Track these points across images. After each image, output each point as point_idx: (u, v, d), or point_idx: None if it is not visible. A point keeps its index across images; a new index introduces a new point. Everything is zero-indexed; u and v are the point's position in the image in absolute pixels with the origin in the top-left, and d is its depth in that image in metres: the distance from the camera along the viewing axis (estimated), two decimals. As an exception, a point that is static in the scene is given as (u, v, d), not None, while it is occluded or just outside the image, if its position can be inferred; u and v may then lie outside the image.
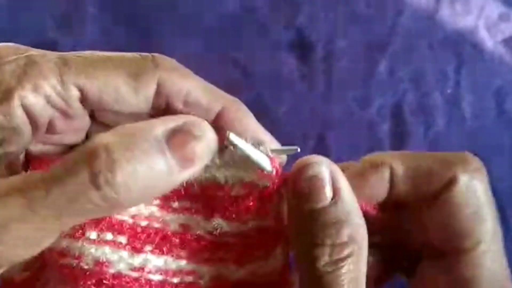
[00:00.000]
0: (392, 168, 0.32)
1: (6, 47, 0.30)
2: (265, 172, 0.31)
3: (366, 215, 0.31)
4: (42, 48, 0.77)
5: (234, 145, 0.30)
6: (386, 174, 0.32)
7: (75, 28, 0.76)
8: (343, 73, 0.74)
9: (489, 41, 0.78)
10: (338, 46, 0.76)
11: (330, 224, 0.29)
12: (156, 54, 0.31)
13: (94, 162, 0.24)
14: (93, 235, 0.30)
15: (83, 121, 0.31)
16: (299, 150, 0.32)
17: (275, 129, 0.77)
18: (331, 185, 0.30)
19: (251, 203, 0.32)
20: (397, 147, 0.69)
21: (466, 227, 0.31)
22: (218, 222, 0.33)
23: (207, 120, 0.28)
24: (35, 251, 0.26)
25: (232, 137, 0.29)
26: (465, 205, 0.31)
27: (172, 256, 0.33)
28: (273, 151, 0.32)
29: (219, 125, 0.31)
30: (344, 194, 0.30)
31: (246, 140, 0.31)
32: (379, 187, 0.33)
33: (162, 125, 0.25)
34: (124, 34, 0.76)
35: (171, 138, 0.25)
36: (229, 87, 0.78)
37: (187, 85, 0.31)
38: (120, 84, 0.29)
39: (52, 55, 0.30)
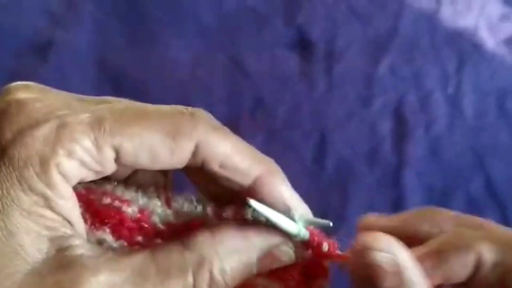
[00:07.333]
0: (481, 255, 0.29)
1: (33, 103, 0.27)
2: (294, 238, 0.31)
3: None
4: (38, 47, 0.78)
5: (257, 212, 0.30)
6: (471, 260, 0.29)
7: (72, 27, 0.75)
8: (344, 72, 0.73)
9: (490, 41, 0.77)
10: (339, 45, 0.75)
11: None
12: (193, 110, 0.30)
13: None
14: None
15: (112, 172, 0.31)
16: (331, 224, 0.31)
17: (275, 129, 0.77)
18: (395, 272, 0.28)
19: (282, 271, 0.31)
20: (398, 146, 0.69)
21: None
22: None
23: (244, 184, 0.30)
24: None
25: (253, 203, 0.30)
26: None
27: None
28: (305, 221, 0.31)
29: (256, 192, 0.31)
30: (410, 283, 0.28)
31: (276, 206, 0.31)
32: (460, 271, 0.30)
33: (262, 243, 0.30)
34: (123, 34, 0.76)
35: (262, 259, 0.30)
36: (229, 87, 0.78)
37: (226, 147, 0.29)
38: (156, 144, 0.28)
39: (85, 112, 0.28)
